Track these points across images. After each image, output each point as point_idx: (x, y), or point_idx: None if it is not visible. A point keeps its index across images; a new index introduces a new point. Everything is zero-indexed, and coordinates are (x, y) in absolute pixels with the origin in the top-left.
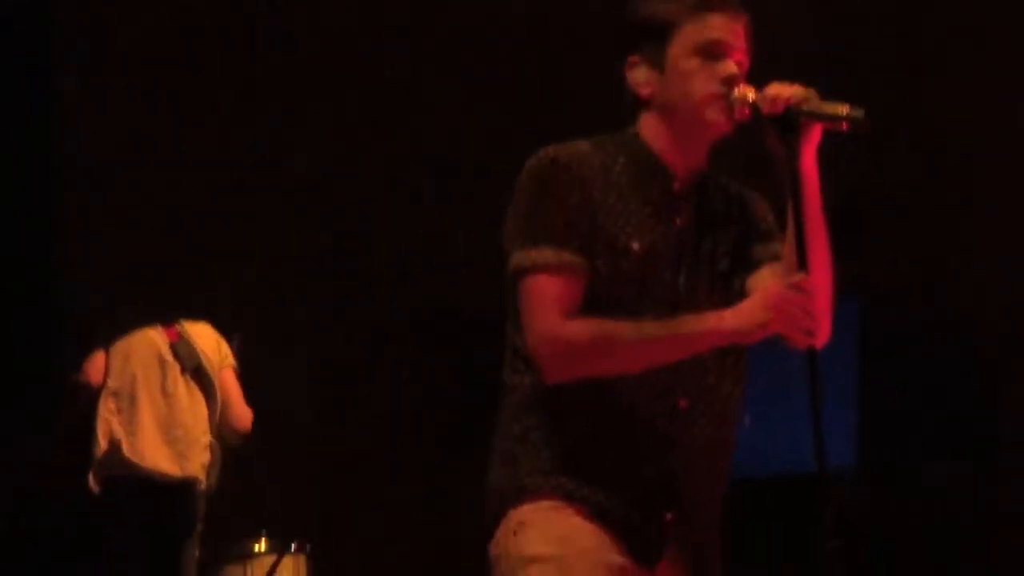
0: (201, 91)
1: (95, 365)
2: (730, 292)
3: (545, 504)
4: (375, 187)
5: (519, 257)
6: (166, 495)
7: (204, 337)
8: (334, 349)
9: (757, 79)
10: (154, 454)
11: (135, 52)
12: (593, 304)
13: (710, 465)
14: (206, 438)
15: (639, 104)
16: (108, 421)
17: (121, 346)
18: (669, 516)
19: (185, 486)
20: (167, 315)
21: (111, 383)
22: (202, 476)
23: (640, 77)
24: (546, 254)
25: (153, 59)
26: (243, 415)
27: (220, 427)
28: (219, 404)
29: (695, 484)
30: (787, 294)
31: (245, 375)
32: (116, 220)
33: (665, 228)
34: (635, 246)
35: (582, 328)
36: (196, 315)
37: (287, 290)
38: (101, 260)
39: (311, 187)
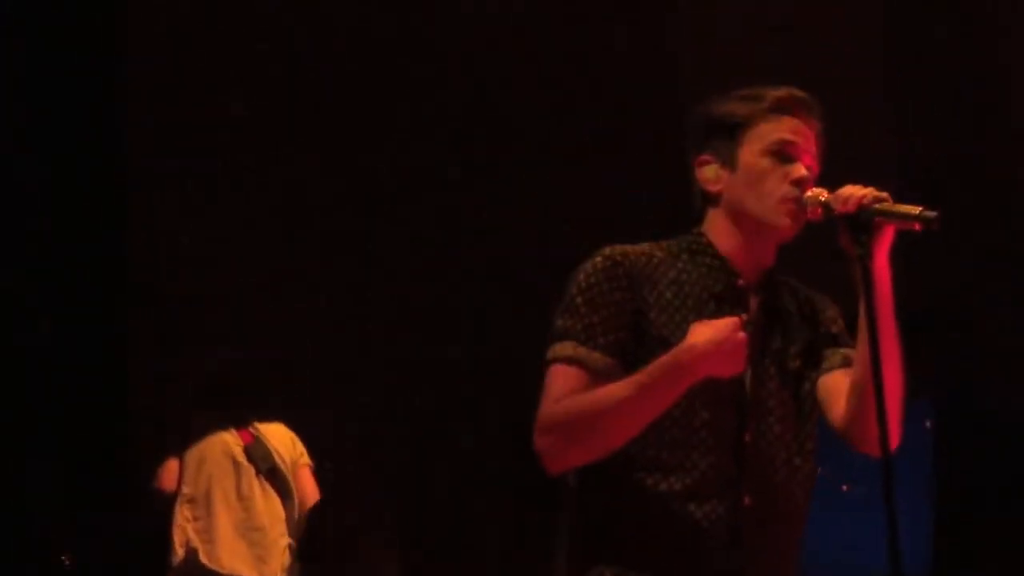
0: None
1: (168, 472)
2: (800, 392)
3: None
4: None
5: (549, 350)
6: None
7: (278, 437)
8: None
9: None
10: (232, 559)
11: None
12: None
13: (776, 568)
14: (284, 540)
15: (707, 202)
16: (184, 528)
17: (195, 452)
18: None
19: None
20: (239, 418)
21: (186, 489)
22: None
23: (710, 174)
24: (567, 347)
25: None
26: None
27: (297, 527)
28: (296, 505)
29: None
30: (731, 323)
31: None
32: (184, 324)
33: None
34: None
35: (561, 404)
36: (269, 416)
37: (355, 384)
38: (172, 365)
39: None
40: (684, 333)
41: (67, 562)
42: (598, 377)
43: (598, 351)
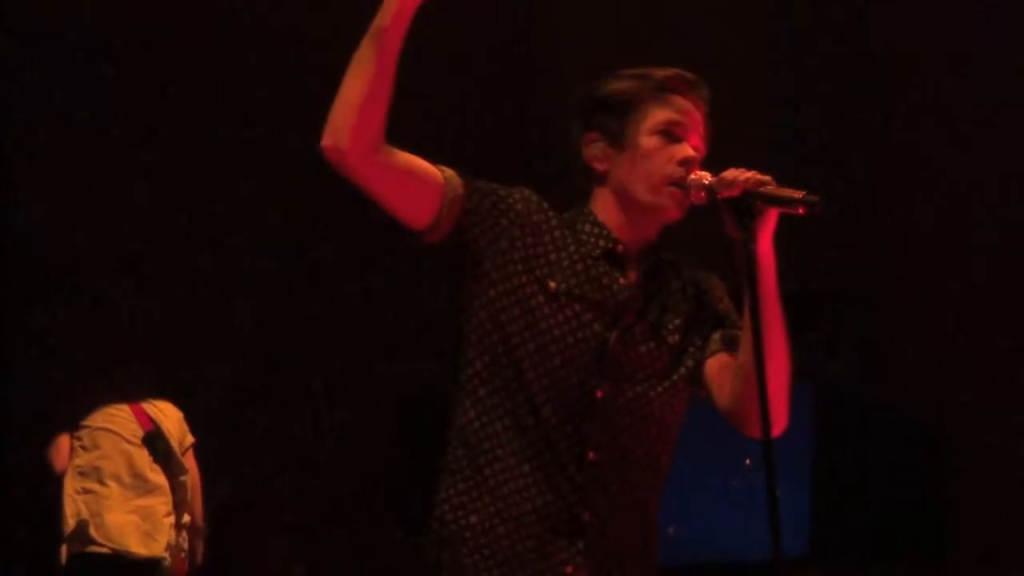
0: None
1: (60, 449)
2: (678, 367)
3: None
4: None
5: None
6: (133, 574)
7: (168, 416)
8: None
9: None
10: (121, 533)
11: None
12: (504, 329)
13: (619, 525)
14: (171, 518)
15: (593, 180)
16: (75, 500)
17: (88, 425)
18: (569, 569)
19: (151, 565)
20: (130, 393)
21: (78, 462)
22: (167, 555)
23: (597, 153)
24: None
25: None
26: (200, 510)
27: (186, 505)
28: (187, 485)
29: (608, 545)
30: None
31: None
32: (71, 298)
33: (606, 282)
34: (551, 284)
35: None
36: (158, 392)
37: (248, 368)
38: (60, 339)
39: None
40: (546, 275)
41: None
42: (437, 177)
43: (459, 177)
